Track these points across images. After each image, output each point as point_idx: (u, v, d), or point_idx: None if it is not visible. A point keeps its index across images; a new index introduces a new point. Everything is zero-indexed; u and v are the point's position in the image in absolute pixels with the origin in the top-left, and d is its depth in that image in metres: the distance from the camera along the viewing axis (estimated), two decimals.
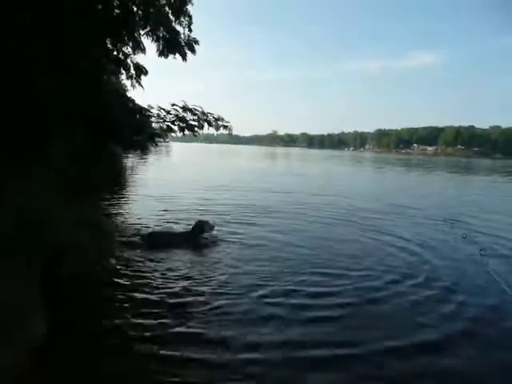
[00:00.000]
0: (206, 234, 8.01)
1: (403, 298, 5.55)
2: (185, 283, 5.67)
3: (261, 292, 5.49)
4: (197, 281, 5.81)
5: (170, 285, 5.59)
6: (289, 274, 6.32)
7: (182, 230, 8.38)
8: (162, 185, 17.85)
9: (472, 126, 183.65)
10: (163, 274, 5.98)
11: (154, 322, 4.47)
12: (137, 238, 7.69)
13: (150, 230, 8.34)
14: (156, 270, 6.12)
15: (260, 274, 6.24)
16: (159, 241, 7.59)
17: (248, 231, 9.15)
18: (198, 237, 7.88)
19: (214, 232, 8.17)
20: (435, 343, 4.35)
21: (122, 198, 13.81)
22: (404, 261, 7.28)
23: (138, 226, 8.94)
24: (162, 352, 3.85)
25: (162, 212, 10.94)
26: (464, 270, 6.84)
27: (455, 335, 4.53)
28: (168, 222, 9.52)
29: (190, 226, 8.18)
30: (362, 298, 5.47)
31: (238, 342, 4.12)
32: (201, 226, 7.96)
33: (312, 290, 5.73)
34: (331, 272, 6.55)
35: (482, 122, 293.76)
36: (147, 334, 4.21)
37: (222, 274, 6.15)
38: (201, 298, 5.18)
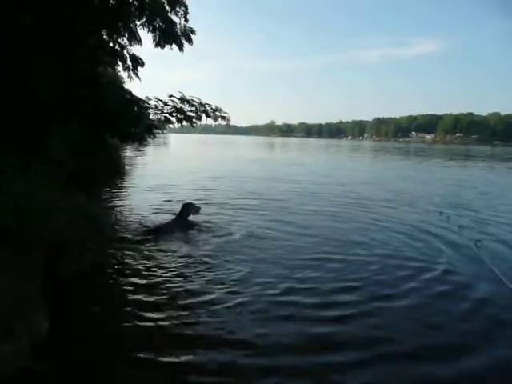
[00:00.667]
0: (192, 216, 8.33)
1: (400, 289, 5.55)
2: (187, 278, 5.58)
3: (269, 286, 5.33)
4: (201, 273, 5.73)
5: (172, 280, 5.52)
6: (294, 263, 6.27)
7: (171, 217, 8.53)
8: (162, 176, 17.84)
9: (471, 113, 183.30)
10: (165, 268, 5.93)
11: (157, 320, 4.40)
12: (135, 232, 7.72)
13: (147, 223, 8.36)
14: (158, 262, 6.09)
15: (265, 263, 6.22)
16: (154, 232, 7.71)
17: (251, 218, 9.29)
18: (185, 220, 8.19)
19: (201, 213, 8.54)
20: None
21: (122, 189, 13.81)
22: (400, 250, 7.26)
23: (139, 217, 8.96)
24: (164, 353, 3.77)
25: (164, 202, 10.95)
26: (460, 261, 6.73)
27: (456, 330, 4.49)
28: (167, 213, 9.54)
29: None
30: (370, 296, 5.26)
31: (248, 344, 3.92)
32: (186, 209, 8.25)
33: (316, 279, 5.67)
34: (333, 257, 6.59)
35: (481, 109, 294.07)
36: (150, 332, 4.16)
37: (227, 266, 6.05)
38: (206, 294, 5.05)
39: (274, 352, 3.85)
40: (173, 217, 8.62)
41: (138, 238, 7.38)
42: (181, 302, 4.83)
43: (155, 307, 4.68)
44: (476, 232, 8.55)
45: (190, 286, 5.29)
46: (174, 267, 5.98)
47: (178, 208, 9.24)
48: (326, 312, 4.73)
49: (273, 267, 6.09)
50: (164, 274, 5.68)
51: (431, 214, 10.55)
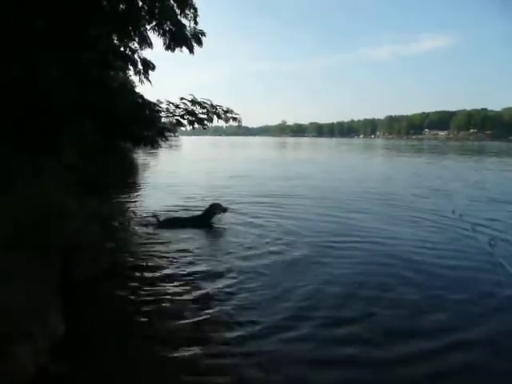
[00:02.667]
0: (218, 216, 8.78)
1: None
2: (203, 280, 5.49)
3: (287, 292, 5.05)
4: (220, 278, 5.57)
5: (187, 280, 5.51)
6: (335, 273, 5.82)
7: (195, 214, 9.05)
8: (176, 177, 18.05)
9: (484, 109, 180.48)
10: (180, 269, 5.92)
11: (174, 323, 4.38)
12: (150, 226, 7.86)
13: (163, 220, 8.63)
14: (172, 265, 6.08)
15: (284, 265, 6.11)
16: (172, 224, 8.38)
17: (269, 215, 9.57)
18: (209, 218, 8.65)
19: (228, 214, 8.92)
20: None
21: (136, 190, 13.91)
22: (410, 248, 7.15)
23: (154, 217, 9.09)
24: (177, 354, 3.76)
25: (179, 202, 11.14)
26: (474, 261, 6.51)
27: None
28: (185, 210, 9.95)
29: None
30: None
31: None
32: (212, 208, 8.74)
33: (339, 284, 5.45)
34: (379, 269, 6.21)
35: (495, 104, 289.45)
36: (164, 334, 4.14)
37: (258, 275, 5.73)
38: (224, 299, 4.88)
39: None
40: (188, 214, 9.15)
41: (154, 239, 7.42)
42: (200, 324, 4.57)
43: (172, 314, 4.60)
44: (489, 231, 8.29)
45: (212, 303, 4.87)
46: (193, 272, 5.86)
47: (192, 207, 9.96)
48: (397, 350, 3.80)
49: (312, 282, 5.48)
50: (181, 276, 5.65)
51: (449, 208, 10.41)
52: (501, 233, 8.15)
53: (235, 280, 5.49)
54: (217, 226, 8.55)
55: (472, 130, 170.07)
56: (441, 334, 4.09)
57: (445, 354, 3.73)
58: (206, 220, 8.60)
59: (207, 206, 8.84)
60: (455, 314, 4.61)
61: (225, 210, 8.81)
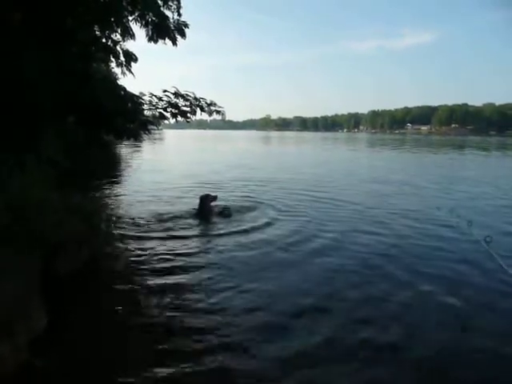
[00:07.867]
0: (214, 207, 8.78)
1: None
2: (188, 275, 5.46)
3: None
4: (207, 272, 5.55)
5: (169, 273, 5.50)
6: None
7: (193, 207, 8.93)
8: (159, 169, 17.88)
9: (465, 104, 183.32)
10: (162, 261, 5.90)
11: (155, 316, 4.35)
12: (134, 227, 7.73)
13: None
14: (155, 260, 6.03)
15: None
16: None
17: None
18: (204, 211, 8.54)
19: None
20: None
21: (119, 185, 13.76)
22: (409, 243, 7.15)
23: (135, 211, 9.03)
24: (161, 346, 3.74)
25: (164, 194, 11.09)
26: (468, 257, 6.35)
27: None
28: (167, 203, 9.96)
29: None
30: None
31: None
32: (205, 200, 8.65)
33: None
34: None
35: (476, 100, 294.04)
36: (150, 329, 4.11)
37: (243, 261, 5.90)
38: (212, 296, 4.79)
39: None
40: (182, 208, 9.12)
41: (136, 233, 7.36)
42: (178, 292, 4.74)
43: (154, 299, 4.64)
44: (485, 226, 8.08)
45: (196, 293, 4.88)
46: (175, 265, 5.83)
47: (178, 196, 10.21)
48: None
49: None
50: (163, 269, 5.62)
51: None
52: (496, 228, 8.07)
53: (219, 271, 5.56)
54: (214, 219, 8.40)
55: (454, 125, 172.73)
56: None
57: None
58: (203, 214, 8.49)
59: (198, 201, 8.71)
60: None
61: (215, 198, 8.86)
